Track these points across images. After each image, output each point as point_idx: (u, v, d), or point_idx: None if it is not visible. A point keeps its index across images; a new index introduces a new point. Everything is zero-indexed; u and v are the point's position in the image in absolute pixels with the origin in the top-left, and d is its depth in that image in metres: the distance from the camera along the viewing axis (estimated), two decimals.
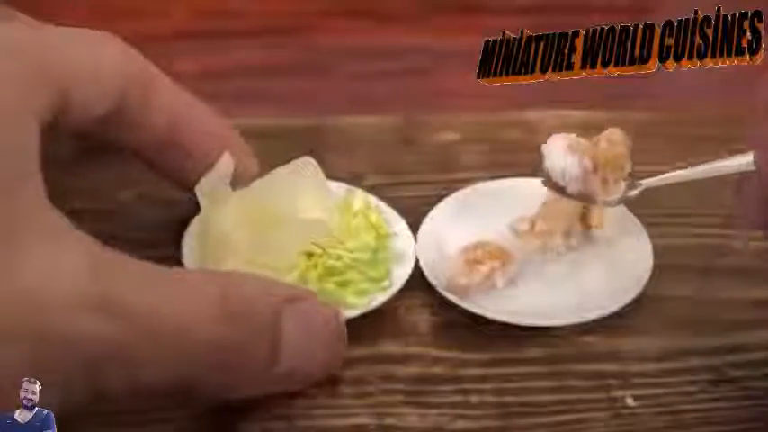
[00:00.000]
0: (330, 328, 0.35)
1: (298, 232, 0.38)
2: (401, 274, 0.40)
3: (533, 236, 0.42)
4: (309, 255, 0.38)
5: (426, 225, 0.42)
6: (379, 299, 0.39)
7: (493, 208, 0.43)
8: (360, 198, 0.42)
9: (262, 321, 0.33)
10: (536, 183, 0.42)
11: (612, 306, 0.39)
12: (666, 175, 0.40)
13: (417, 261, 0.40)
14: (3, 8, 0.38)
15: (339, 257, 0.39)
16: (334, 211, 0.40)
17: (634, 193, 0.40)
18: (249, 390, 0.34)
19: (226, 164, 0.39)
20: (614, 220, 0.43)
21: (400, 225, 0.42)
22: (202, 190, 0.39)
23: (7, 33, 0.33)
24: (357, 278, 0.39)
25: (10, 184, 0.30)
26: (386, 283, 0.39)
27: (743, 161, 0.36)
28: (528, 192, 0.43)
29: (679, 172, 0.39)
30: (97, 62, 0.35)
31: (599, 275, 0.41)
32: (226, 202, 0.39)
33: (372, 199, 0.42)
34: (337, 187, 0.42)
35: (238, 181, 0.40)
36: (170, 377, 0.31)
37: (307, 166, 0.40)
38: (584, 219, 0.42)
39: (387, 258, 0.40)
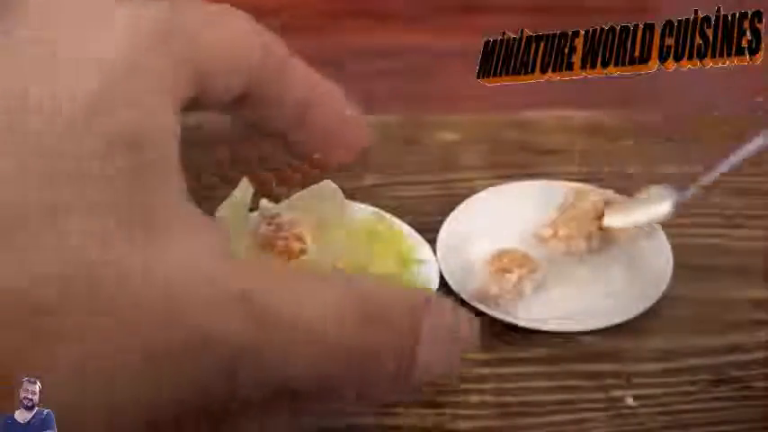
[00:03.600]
0: (462, 329, 0.34)
1: (320, 259, 0.38)
2: None
3: (558, 241, 0.42)
4: None
5: (443, 234, 0.42)
6: None
7: (508, 213, 0.43)
8: (385, 222, 0.41)
9: (401, 325, 0.32)
10: (542, 184, 0.43)
11: (641, 306, 0.39)
12: (704, 178, 0.40)
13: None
14: None
15: None
16: (357, 236, 0.40)
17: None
18: (383, 395, 0.32)
19: (244, 189, 0.39)
20: None
21: (424, 250, 0.41)
22: (221, 215, 0.38)
23: (146, 16, 0.32)
24: None
25: (152, 177, 0.29)
26: None
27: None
28: (539, 194, 0.43)
29: (713, 173, 0.39)
30: (232, 39, 0.34)
31: (623, 276, 0.41)
32: (244, 231, 0.38)
33: (398, 223, 0.42)
34: (361, 209, 0.42)
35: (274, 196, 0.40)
36: (303, 380, 0.30)
37: (325, 190, 0.40)
38: (602, 220, 0.42)
39: (410, 285, 0.39)
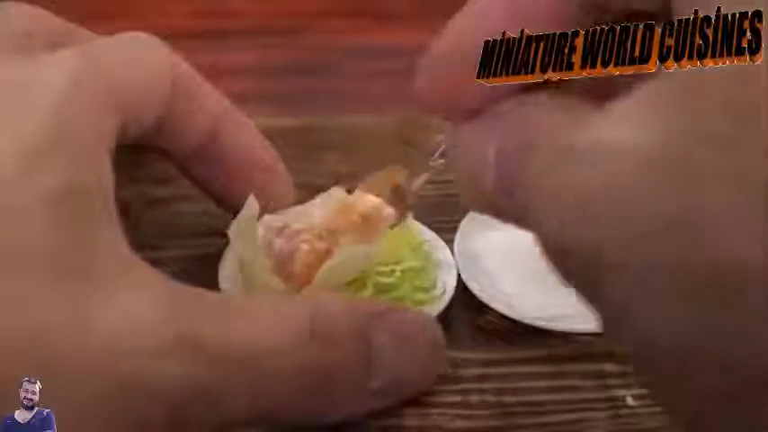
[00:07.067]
0: (425, 336, 0.34)
1: (344, 264, 0.37)
2: (448, 280, 0.39)
3: None
4: (353, 279, 0.38)
5: (460, 235, 0.42)
6: (436, 308, 0.38)
7: None
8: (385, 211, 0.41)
9: (350, 340, 0.32)
10: None
11: None
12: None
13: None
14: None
15: (392, 273, 0.38)
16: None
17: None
18: (346, 410, 0.33)
19: (251, 206, 0.38)
20: None
21: (441, 247, 0.41)
22: (234, 233, 0.38)
23: (67, 60, 0.32)
24: (410, 290, 0.38)
25: (87, 224, 0.29)
26: (437, 291, 0.39)
27: None
28: None
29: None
30: (147, 73, 0.35)
31: None
32: (260, 250, 0.38)
33: (411, 221, 0.42)
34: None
35: (271, 208, 0.39)
36: (259, 407, 0.30)
37: (333, 195, 0.39)
38: None
39: (431, 266, 0.40)
